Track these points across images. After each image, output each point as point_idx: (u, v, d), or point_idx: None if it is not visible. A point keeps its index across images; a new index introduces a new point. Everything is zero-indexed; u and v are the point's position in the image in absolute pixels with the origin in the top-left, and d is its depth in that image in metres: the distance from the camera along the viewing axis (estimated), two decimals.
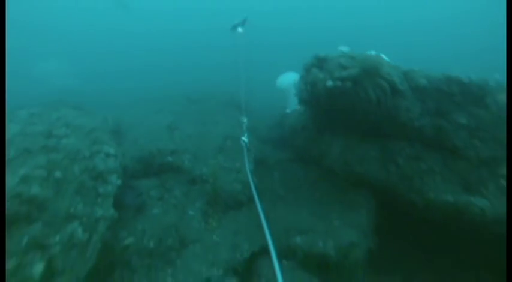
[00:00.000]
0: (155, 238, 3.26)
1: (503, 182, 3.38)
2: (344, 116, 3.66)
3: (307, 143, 4.99)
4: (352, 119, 3.61)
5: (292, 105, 6.31)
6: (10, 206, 2.02)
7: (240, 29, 5.61)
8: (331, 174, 4.42)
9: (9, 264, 1.83)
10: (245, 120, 3.91)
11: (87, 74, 15.09)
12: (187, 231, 3.59)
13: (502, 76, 3.16)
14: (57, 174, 2.46)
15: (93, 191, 2.72)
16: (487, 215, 3.19)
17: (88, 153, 2.98)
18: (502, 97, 3.07)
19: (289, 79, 6.50)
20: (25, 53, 17.44)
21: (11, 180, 2.17)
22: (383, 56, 3.41)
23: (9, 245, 1.90)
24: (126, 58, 18.99)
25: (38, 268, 1.92)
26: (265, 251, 3.71)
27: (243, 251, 3.47)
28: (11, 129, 3.13)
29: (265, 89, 8.48)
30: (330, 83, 3.04)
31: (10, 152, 2.57)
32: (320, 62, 3.45)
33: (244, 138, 3.47)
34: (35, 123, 3.47)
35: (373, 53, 3.68)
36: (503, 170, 3.39)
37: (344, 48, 3.94)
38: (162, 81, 13.36)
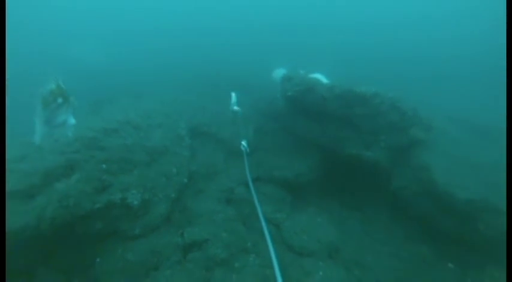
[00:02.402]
0: (205, 168, 6.65)
1: (382, 144, 6.61)
2: (302, 108, 6.86)
3: (287, 120, 8.20)
4: (305, 110, 6.81)
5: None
6: (160, 147, 5.35)
7: (236, 108, 7.22)
8: (300, 139, 7.66)
9: (164, 168, 5.18)
10: (244, 142, 4.46)
11: (115, 55, 18.01)
12: (218, 166, 6.94)
13: (381, 90, 6.23)
14: (170, 135, 5.78)
15: (180, 144, 6.05)
16: (369, 159, 6.46)
17: (175, 127, 6.26)
18: (377, 101, 6.18)
19: (279, 73, 9.35)
20: (63, 37, 20.62)
21: (157, 137, 5.48)
22: (322, 77, 6.46)
23: (168, 158, 5.25)
24: (147, 41, 21.97)
25: (174, 169, 5.28)
26: (260, 178, 7.04)
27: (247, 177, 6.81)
28: (130, 113, 6.35)
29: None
30: (289, 93, 6.21)
31: (144, 125, 5.83)
32: (289, 79, 6.58)
33: (244, 143, 3.61)
34: (137, 109, 6.70)
35: (315, 75, 6.79)
36: (383, 137, 6.59)
37: (301, 71, 6.97)
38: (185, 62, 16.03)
